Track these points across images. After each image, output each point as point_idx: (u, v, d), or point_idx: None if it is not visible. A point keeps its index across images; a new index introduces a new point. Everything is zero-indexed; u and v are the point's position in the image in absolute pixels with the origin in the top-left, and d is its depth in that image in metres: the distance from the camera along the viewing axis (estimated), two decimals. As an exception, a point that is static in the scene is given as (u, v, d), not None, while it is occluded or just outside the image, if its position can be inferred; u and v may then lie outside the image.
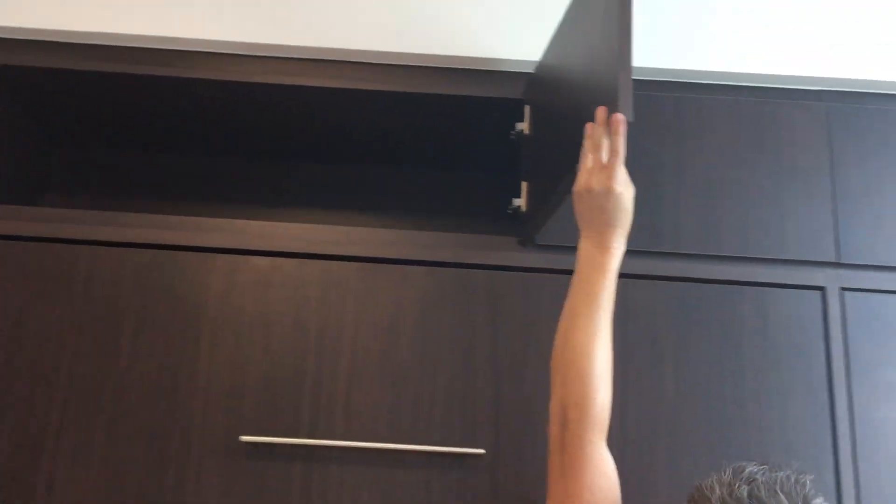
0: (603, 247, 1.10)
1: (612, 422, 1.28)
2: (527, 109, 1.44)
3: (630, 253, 1.36)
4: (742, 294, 1.35)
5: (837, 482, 1.26)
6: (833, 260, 1.37)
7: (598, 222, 1.10)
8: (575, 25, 1.23)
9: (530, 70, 1.45)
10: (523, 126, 1.43)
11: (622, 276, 1.28)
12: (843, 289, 1.36)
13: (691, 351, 1.32)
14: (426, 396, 1.29)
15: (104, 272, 1.33)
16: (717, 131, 1.43)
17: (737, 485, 0.89)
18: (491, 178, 1.64)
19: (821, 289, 1.36)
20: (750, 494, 0.88)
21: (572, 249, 1.36)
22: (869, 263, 1.37)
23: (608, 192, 1.07)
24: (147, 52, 1.47)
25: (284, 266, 1.35)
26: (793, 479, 0.90)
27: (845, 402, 1.30)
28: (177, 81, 1.46)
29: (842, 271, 1.37)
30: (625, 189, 1.07)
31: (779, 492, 0.88)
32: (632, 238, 1.36)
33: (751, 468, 0.92)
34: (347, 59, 1.47)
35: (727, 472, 0.93)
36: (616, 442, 1.27)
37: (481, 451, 1.25)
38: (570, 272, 1.35)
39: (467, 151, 1.65)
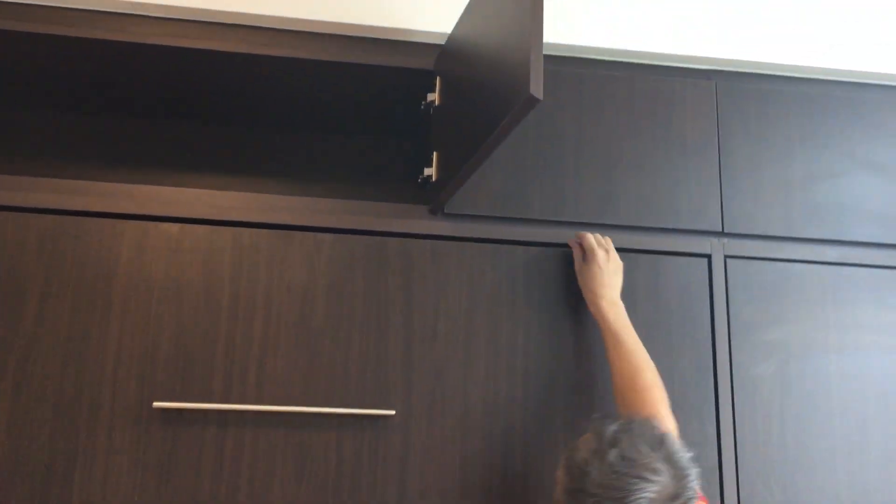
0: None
1: (515, 381, 1.37)
2: (438, 80, 1.47)
3: (534, 222, 1.44)
4: (636, 261, 1.44)
5: (718, 432, 1.38)
6: (718, 230, 1.48)
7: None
8: (486, 0, 1.27)
9: (442, 42, 1.49)
10: (434, 97, 1.47)
11: (521, 243, 1.37)
12: (728, 256, 1.47)
13: (588, 314, 1.40)
14: (339, 360, 1.33)
15: (7, 238, 1.29)
16: (615, 106, 1.50)
17: (606, 450, 0.99)
18: (404, 147, 1.67)
19: (707, 256, 1.46)
20: (621, 456, 0.98)
21: (480, 218, 1.43)
22: (751, 233, 1.49)
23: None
24: (48, 11, 1.41)
25: (196, 232, 1.35)
26: (645, 427, 1.02)
27: (727, 360, 1.42)
28: (81, 42, 1.42)
29: (726, 240, 1.48)
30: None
31: (640, 443, 0.99)
32: (536, 208, 1.44)
33: (610, 427, 1.02)
34: (260, 25, 1.47)
35: (592, 439, 1.02)
36: (519, 400, 1.35)
37: (392, 412, 1.30)
38: (478, 240, 1.41)
39: (381, 120, 1.67)
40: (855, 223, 1.52)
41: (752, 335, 1.44)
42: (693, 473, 1.00)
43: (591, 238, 1.37)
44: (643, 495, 0.95)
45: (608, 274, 1.35)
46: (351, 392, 1.32)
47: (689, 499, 0.98)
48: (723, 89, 1.54)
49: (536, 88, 0.99)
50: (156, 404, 1.25)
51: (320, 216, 1.39)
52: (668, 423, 1.21)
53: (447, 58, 1.45)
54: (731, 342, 1.43)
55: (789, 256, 1.48)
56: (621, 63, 1.56)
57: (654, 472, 0.97)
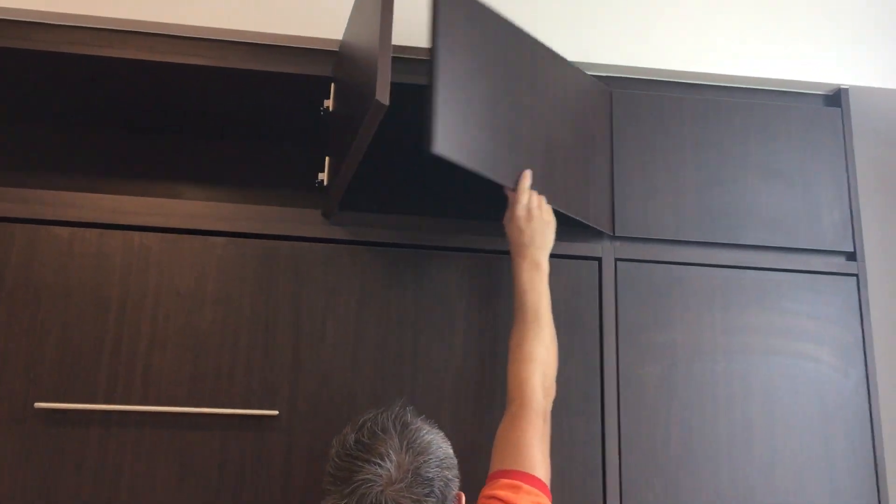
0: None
1: (405, 381, 1.38)
2: (332, 86, 1.49)
3: (424, 225, 1.45)
4: (527, 264, 1.46)
5: (602, 432, 1.40)
6: (610, 233, 1.50)
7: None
8: (361, 6, 1.29)
9: (337, 48, 1.51)
10: (329, 103, 1.49)
11: (412, 246, 1.39)
12: (618, 259, 1.49)
13: (480, 316, 1.42)
14: (226, 362, 1.35)
15: None
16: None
17: (348, 434, 1.06)
18: (306, 153, 1.69)
19: (597, 259, 1.49)
20: (356, 441, 1.05)
21: (373, 222, 1.45)
22: (640, 237, 1.51)
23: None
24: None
25: (85, 236, 1.37)
26: (392, 415, 1.08)
27: (613, 361, 1.44)
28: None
29: (617, 243, 1.50)
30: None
31: (378, 431, 1.05)
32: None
33: (365, 416, 1.08)
34: (161, 32, 1.48)
35: (349, 425, 1.09)
36: (409, 397, 1.36)
37: (275, 412, 1.32)
38: (370, 244, 1.43)
39: (284, 126, 1.69)
40: (745, 227, 1.54)
41: (639, 337, 1.46)
42: (434, 458, 1.04)
43: (525, 189, 1.34)
44: (365, 476, 1.00)
45: (533, 230, 1.33)
46: (236, 393, 1.34)
47: (421, 483, 1.02)
48: (618, 95, 1.57)
49: (382, 94, 1.01)
50: (38, 405, 1.27)
51: (212, 220, 1.41)
52: (533, 396, 1.24)
53: (339, 64, 1.47)
54: (619, 343, 1.45)
55: (679, 259, 1.51)
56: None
57: (382, 456, 1.02)
